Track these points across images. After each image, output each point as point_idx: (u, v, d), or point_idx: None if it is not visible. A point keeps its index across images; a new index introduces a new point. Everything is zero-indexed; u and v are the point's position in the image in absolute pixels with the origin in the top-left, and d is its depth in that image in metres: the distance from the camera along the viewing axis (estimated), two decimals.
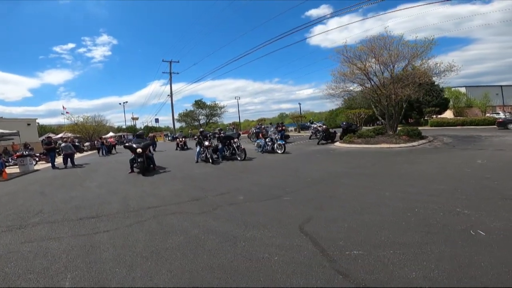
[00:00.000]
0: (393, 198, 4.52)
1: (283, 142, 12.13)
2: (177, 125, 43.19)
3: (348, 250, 2.81)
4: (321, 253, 2.80)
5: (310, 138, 18.71)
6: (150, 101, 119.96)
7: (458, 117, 27.82)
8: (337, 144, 14.68)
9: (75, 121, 33.67)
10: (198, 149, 10.92)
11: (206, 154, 10.52)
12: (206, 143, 10.61)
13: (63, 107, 41.65)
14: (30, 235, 3.85)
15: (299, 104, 58.52)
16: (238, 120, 51.13)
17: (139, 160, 8.65)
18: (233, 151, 10.91)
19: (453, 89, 34.36)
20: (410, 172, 6.78)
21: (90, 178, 8.87)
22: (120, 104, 50.87)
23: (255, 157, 11.04)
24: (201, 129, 13.35)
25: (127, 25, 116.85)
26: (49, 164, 13.18)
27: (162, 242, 3.32)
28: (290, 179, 6.79)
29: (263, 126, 22.04)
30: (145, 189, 6.44)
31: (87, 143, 26.91)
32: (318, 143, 15.23)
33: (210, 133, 29.57)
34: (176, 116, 41.27)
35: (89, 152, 24.35)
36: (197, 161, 10.80)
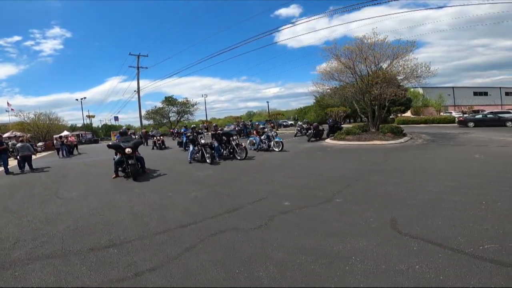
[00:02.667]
0: (450, 192, 4.60)
1: (281, 140, 11.45)
2: (145, 122, 39.92)
3: (480, 245, 2.66)
4: (458, 253, 2.57)
5: (295, 136, 18.37)
6: (108, 98, 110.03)
7: (421, 116, 29.97)
8: (328, 141, 14.49)
9: (25, 118, 29.07)
10: (191, 148, 9.68)
11: (202, 153, 9.35)
12: (203, 141, 9.45)
13: (7, 103, 35.78)
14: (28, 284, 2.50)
15: (267, 102, 58.59)
16: (205, 118, 49.41)
17: (129, 162, 7.20)
18: (231, 150, 9.91)
19: (412, 89, 37.12)
20: (429, 167, 6.93)
21: (64, 186, 7.14)
22: (76, 100, 45.43)
23: (254, 156, 10.18)
24: (193, 126, 12.06)
25: (83, 17, 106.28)
26: (0, 169, 10.73)
27: (250, 279, 2.35)
28: (316, 179, 6.25)
29: (243, 123, 21.21)
30: (151, 199, 5.16)
31: (40, 143, 23.18)
32: (308, 140, 14.90)
33: (176, 131, 27.92)
34: (143, 113, 37.99)
35: (44, 153, 20.88)
36: (190, 162, 9.57)
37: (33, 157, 11.06)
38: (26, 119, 29.46)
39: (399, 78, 14.95)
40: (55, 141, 18.09)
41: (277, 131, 20.43)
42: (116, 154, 8.13)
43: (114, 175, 7.78)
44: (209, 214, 4.06)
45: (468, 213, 3.57)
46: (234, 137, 9.88)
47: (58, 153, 16.97)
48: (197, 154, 9.58)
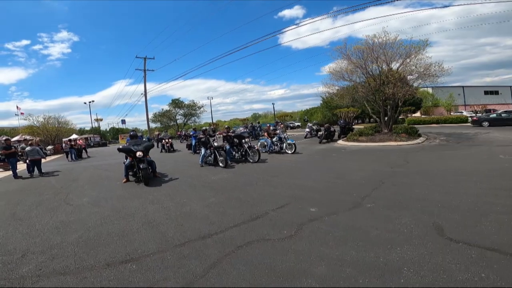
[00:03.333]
0: (490, 195, 4.37)
1: (293, 142, 11.09)
2: (152, 125, 39.92)
3: None
4: None
5: (305, 137, 17.98)
6: (115, 102, 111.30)
7: (432, 116, 29.31)
8: (340, 142, 14.08)
9: (34, 122, 29.23)
10: (203, 151, 9.37)
11: (215, 156, 9.04)
12: (216, 143, 9.15)
13: (17, 107, 36.08)
14: None
15: (273, 104, 58.23)
16: (211, 120, 49.29)
17: (141, 166, 6.91)
18: (243, 152, 9.59)
19: (421, 89, 36.53)
20: (457, 168, 6.67)
21: (74, 191, 6.89)
22: (85, 103, 45.80)
23: (266, 159, 9.83)
24: (204, 128, 11.78)
25: (90, 21, 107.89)
26: (9, 173, 10.57)
27: None
28: (338, 182, 5.95)
29: (251, 125, 20.92)
30: (166, 206, 4.83)
31: (49, 147, 23.19)
32: (320, 142, 14.51)
33: (184, 133, 27.73)
34: (150, 116, 37.96)
35: (53, 157, 20.77)
36: (202, 165, 9.27)
37: (43, 160, 10.88)
38: (35, 122, 29.59)
39: (411, 77, 14.51)
40: (64, 145, 17.99)
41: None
42: (126, 158, 7.88)
43: (124, 179, 7.52)
44: (231, 223, 3.73)
45: None
46: (246, 140, 9.54)
47: (67, 157, 16.88)
48: (209, 158, 9.27)
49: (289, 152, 10.88)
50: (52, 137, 28.29)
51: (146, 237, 3.41)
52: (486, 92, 43.69)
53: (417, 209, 3.86)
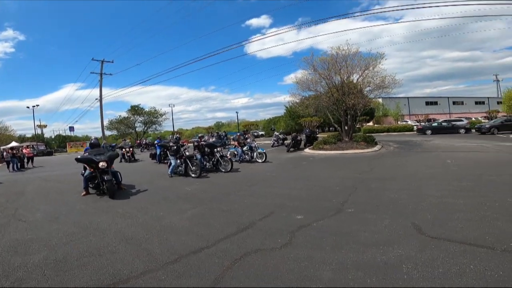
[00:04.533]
0: (450, 195, 4.88)
1: (264, 151, 11.16)
2: (107, 133, 36.93)
3: (509, 242, 2.80)
4: (495, 250, 2.69)
5: (272, 146, 18.24)
6: (63, 107, 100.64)
7: (384, 125, 32.00)
8: (307, 151, 14.56)
9: None
10: (173, 161, 8.89)
11: (186, 166, 8.64)
12: (187, 153, 8.76)
13: None
14: None
15: (237, 112, 58.04)
16: (172, 129, 47.58)
17: (105, 178, 6.27)
18: (215, 162, 9.34)
19: (373, 99, 39.78)
20: (415, 173, 7.35)
21: (24, 206, 5.95)
22: (28, 108, 40.52)
23: (238, 168, 9.71)
24: (177, 136, 11.22)
25: (40, 20, 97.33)
26: None
27: None
28: (314, 189, 6.14)
29: (217, 134, 20.65)
30: (142, 220, 4.41)
31: None
32: (288, 151, 14.81)
33: (145, 142, 26.24)
34: (105, 123, 35.09)
35: None
36: (171, 175, 8.78)
37: None
38: None
39: (368, 88, 15.68)
40: (4, 153, 15.71)
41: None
42: (85, 169, 7.14)
43: (84, 192, 6.76)
44: (219, 235, 3.54)
45: (478, 214, 3.80)
46: (218, 149, 9.33)
47: (8, 167, 14.73)
48: (180, 168, 8.84)
49: (260, 161, 10.91)
50: None
51: (128, 256, 3.05)
52: (427, 103, 49.45)
53: (393, 212, 4.16)
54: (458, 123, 22.94)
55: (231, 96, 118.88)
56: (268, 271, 2.57)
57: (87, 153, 7.07)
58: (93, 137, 8.72)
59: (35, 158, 18.42)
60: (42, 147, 36.90)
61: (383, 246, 2.96)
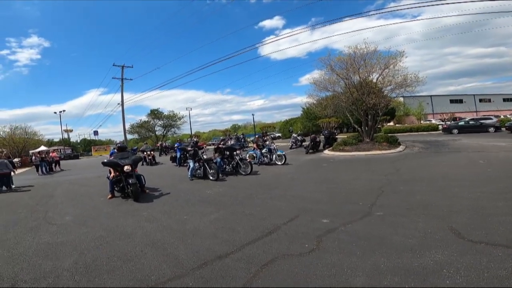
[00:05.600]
0: (486, 198, 4.62)
1: (283, 153, 11.04)
2: (129, 137, 38.20)
3: None
4: None
5: (291, 148, 18.06)
6: (87, 112, 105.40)
7: (406, 125, 30.87)
8: (327, 152, 14.28)
9: (0, 132, 26.94)
10: (192, 164, 8.99)
11: (204, 169, 8.70)
12: (205, 156, 8.83)
13: None
14: None
15: (253, 115, 58.23)
16: (190, 132, 48.31)
17: (130, 181, 6.42)
18: (234, 165, 9.34)
19: (393, 99, 38.62)
20: (445, 174, 7.00)
21: (53, 209, 6.21)
22: (55, 113, 42.55)
23: (258, 171, 9.66)
24: (196, 139, 11.37)
25: (63, 27, 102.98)
26: None
27: None
28: (338, 192, 5.93)
29: (236, 136, 20.74)
30: (167, 224, 4.44)
31: (15, 159, 21.33)
32: (306, 153, 14.60)
33: (164, 145, 26.78)
34: (127, 127, 36.31)
35: (20, 170, 18.97)
36: (191, 179, 8.87)
37: (12, 174, 9.91)
38: (1, 133, 27.35)
39: (390, 87, 15.18)
40: (33, 157, 16.60)
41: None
42: (110, 172, 7.34)
43: (110, 196, 6.96)
44: (245, 240, 3.49)
45: None
46: (237, 151, 9.33)
47: (37, 170, 15.55)
48: (199, 171, 8.92)
49: (279, 163, 10.79)
50: (19, 148, 26.17)
51: (155, 260, 3.05)
52: (451, 101, 47.28)
53: (426, 215, 3.96)
54: (487, 121, 21.67)
55: (246, 99, 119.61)
56: (297, 277, 2.49)
57: (113, 157, 7.27)
58: (118, 141, 8.97)
59: (63, 162, 19.34)
60: (69, 151, 38.75)
61: (419, 251, 2.83)
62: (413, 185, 5.96)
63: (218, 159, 9.33)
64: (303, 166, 10.51)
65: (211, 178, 8.46)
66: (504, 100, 49.49)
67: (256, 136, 14.88)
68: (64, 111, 43.35)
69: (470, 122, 22.28)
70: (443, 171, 7.53)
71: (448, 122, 25.94)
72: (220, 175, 8.57)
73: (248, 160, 9.28)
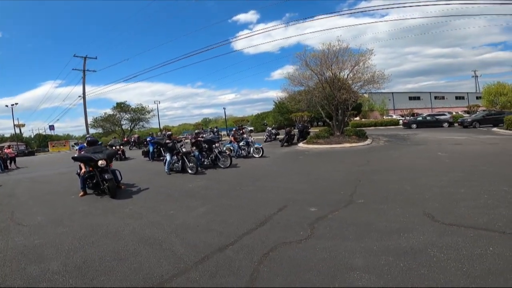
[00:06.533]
0: (451, 185, 5.11)
1: (260, 146, 11.16)
2: (92, 131, 35.56)
3: None
4: (508, 234, 2.89)
5: (265, 141, 18.26)
6: (42, 105, 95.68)
7: (370, 119, 32.72)
8: (301, 145, 14.70)
9: None
10: (168, 157, 8.72)
11: (183, 163, 8.50)
12: (184, 149, 8.61)
13: None
14: None
15: (224, 108, 57.64)
16: (158, 126, 46.56)
17: (106, 177, 6.06)
18: (213, 158, 9.25)
19: (363, 94, 40.60)
20: (411, 165, 7.64)
21: (19, 209, 5.63)
22: (6, 106, 38.30)
23: (236, 163, 9.67)
24: (169, 132, 10.95)
25: (18, 16, 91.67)
26: None
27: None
28: (318, 183, 6.22)
29: (210, 130, 20.46)
30: (154, 220, 4.28)
31: None
32: (282, 145, 14.90)
33: (134, 140, 25.55)
34: (89, 121, 33.76)
35: None
36: (169, 173, 8.62)
37: None
38: None
39: (359, 83, 15.97)
40: None
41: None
42: (80, 168, 6.86)
43: (81, 193, 6.51)
44: (240, 231, 3.52)
45: (480, 202, 4.02)
46: (216, 144, 9.24)
47: None
48: (176, 164, 8.69)
49: (257, 156, 10.91)
50: None
51: (152, 258, 2.94)
52: (410, 98, 51.10)
53: (402, 202, 4.34)
54: (441, 117, 23.85)
55: (218, 92, 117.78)
56: (301, 262, 2.61)
57: (83, 151, 6.81)
58: (88, 136, 8.40)
59: (17, 159, 17.53)
60: (23, 147, 35.21)
61: (403, 234, 3.11)
62: (385, 175, 6.44)
63: (196, 153, 9.17)
64: (280, 158, 10.74)
65: (190, 171, 8.30)
66: (457, 98, 54.67)
67: (234, 129, 14.80)
68: (16, 104, 39.19)
69: (427, 118, 24.33)
70: (408, 162, 8.21)
71: (408, 118, 28.04)
72: (199, 168, 8.44)
73: (228, 153, 9.25)
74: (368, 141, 14.16)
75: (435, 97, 53.46)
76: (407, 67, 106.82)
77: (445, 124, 22.69)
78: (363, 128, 23.55)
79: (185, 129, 49.64)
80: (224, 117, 50.70)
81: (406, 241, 2.91)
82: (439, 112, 28.21)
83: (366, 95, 40.49)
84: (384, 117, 37.10)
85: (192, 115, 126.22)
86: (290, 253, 2.82)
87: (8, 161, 15.47)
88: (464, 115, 28.65)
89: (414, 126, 23.76)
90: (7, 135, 42.57)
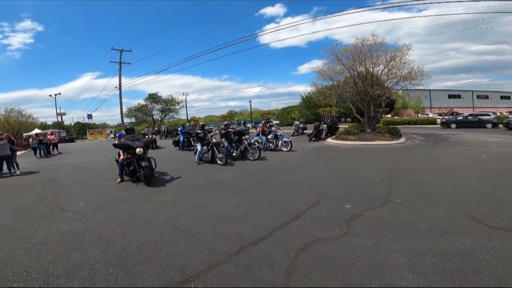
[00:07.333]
0: (495, 189, 4.78)
1: (289, 139, 11.03)
2: (126, 120, 37.65)
3: None
4: None
5: (292, 135, 18.06)
6: (82, 95, 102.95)
7: (404, 117, 31.07)
8: (330, 140, 14.35)
9: None
10: (199, 147, 8.92)
11: (212, 153, 8.65)
12: (214, 140, 8.74)
13: None
14: None
15: (250, 101, 57.53)
16: (186, 117, 47.85)
17: (142, 164, 6.32)
18: (242, 149, 9.30)
19: (398, 91, 38.78)
20: (451, 166, 7.16)
21: (62, 194, 6.01)
22: (50, 96, 41.90)
23: (265, 156, 9.64)
24: (202, 123, 11.22)
25: (57, 11, 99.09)
26: None
27: None
28: (352, 179, 6.00)
29: (237, 122, 20.64)
30: (187, 209, 4.37)
31: None
32: (309, 140, 14.66)
33: (164, 129, 26.54)
34: (124, 111, 35.66)
35: (18, 153, 18.52)
36: (198, 163, 8.83)
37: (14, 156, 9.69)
38: None
39: (395, 79, 15.16)
40: (31, 140, 16.19)
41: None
42: (119, 155, 7.21)
43: (119, 179, 6.87)
44: (273, 225, 3.49)
45: None
46: (246, 136, 9.27)
47: (35, 153, 15.14)
48: (206, 154, 8.86)
49: (285, 149, 10.80)
50: (14, 131, 25.57)
51: (188, 248, 2.98)
52: (450, 96, 47.60)
53: (444, 203, 4.07)
54: (485, 117, 21.97)
55: (244, 85, 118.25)
56: (339, 259, 2.54)
57: (122, 139, 7.13)
58: (126, 123, 8.79)
59: (59, 145, 18.97)
60: (64, 134, 38.10)
61: (447, 235, 2.96)
62: (423, 175, 6.08)
63: (226, 144, 9.27)
64: (309, 153, 10.55)
65: (219, 162, 8.42)
66: (502, 97, 49.97)
67: (263, 121, 14.80)
68: (59, 93, 42.38)
69: (469, 118, 22.54)
70: (448, 162, 7.68)
71: (447, 117, 26.18)
72: (228, 159, 8.54)
73: (257, 145, 9.24)
74: (402, 140, 13.47)
75: (478, 96, 49.29)
76: (447, 63, 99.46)
77: (489, 125, 20.86)
78: (395, 126, 22.46)
79: (211, 121, 50.55)
80: (249, 110, 50.89)
81: (451, 243, 2.77)
82: (482, 112, 25.96)
83: (400, 92, 38.60)
84: (420, 115, 35.03)
85: (218, 107, 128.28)
86: (326, 250, 2.74)
87: (51, 147, 16.77)
88: (510, 116, 26.14)
89: (453, 125, 22.15)
90: (50, 123, 46.19)
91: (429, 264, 2.38)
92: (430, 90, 43.70)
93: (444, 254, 2.54)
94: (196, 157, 8.94)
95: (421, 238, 2.90)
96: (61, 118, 44.11)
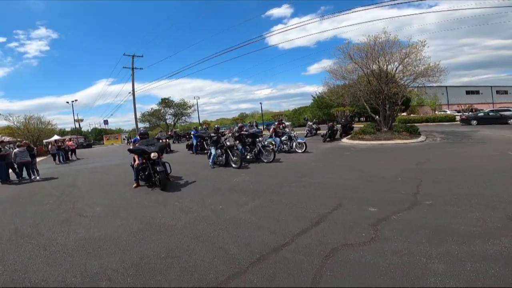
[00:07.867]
0: None
1: (303, 140, 10.81)
2: (140, 125, 38.50)
3: None
4: None
5: (306, 136, 17.79)
6: (96, 102, 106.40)
7: (421, 115, 30.15)
8: (345, 141, 14.02)
9: (15, 122, 27.23)
10: (213, 151, 8.86)
11: (227, 156, 8.56)
12: (228, 143, 8.66)
13: None
14: None
15: (260, 103, 57.67)
16: (198, 121, 48.28)
17: (157, 169, 6.30)
18: (256, 152, 9.17)
19: (414, 89, 37.76)
20: (478, 165, 6.74)
21: (80, 199, 6.06)
22: (67, 103, 43.37)
23: (279, 158, 9.47)
24: (217, 126, 11.20)
25: (70, 18, 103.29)
26: None
27: None
28: (374, 180, 5.72)
29: (249, 124, 20.56)
30: (203, 215, 4.25)
31: None
32: (324, 141, 14.37)
33: (176, 133, 26.84)
34: (138, 116, 36.45)
35: (37, 160, 19.12)
36: (213, 166, 8.76)
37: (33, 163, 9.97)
38: (15, 123, 27.64)
39: (412, 77, 14.68)
40: (50, 146, 16.72)
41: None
42: (134, 160, 7.24)
43: (135, 184, 6.87)
44: (294, 230, 3.32)
45: None
46: (260, 139, 9.14)
47: (54, 159, 15.62)
48: (220, 158, 8.78)
49: (299, 151, 10.58)
50: (34, 138, 26.52)
51: (206, 256, 2.84)
52: (467, 92, 45.82)
53: (478, 204, 3.82)
54: (506, 113, 20.99)
55: (254, 87, 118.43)
56: (369, 266, 2.36)
57: (137, 144, 7.14)
58: (141, 128, 8.85)
59: (77, 151, 19.50)
60: (82, 140, 39.30)
61: (488, 239, 2.74)
62: (450, 175, 5.74)
63: (240, 146, 9.17)
64: (325, 154, 10.29)
65: (233, 165, 8.32)
66: None
67: (276, 123, 14.64)
68: (76, 100, 43.82)
69: (490, 114, 21.62)
70: (475, 161, 7.25)
71: (466, 113, 25.16)
72: (242, 162, 8.42)
73: (271, 148, 9.09)
74: (421, 138, 12.97)
75: (497, 92, 47.21)
76: (462, 59, 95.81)
77: (511, 121, 19.89)
78: (412, 124, 21.77)
79: (223, 124, 50.87)
80: (260, 111, 50.81)
81: (493, 247, 2.57)
82: (503, 107, 24.79)
83: (415, 90, 37.53)
84: (437, 112, 33.88)
85: (229, 110, 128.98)
86: (354, 256, 2.56)
87: (70, 153, 17.24)
88: None
89: (474, 122, 21.23)
90: (68, 129, 47.74)
91: (471, 270, 2.20)
92: (446, 86, 42.23)
93: (486, 258, 2.36)
94: (210, 160, 8.87)
95: (459, 242, 2.69)
96: (79, 124, 45.59)
